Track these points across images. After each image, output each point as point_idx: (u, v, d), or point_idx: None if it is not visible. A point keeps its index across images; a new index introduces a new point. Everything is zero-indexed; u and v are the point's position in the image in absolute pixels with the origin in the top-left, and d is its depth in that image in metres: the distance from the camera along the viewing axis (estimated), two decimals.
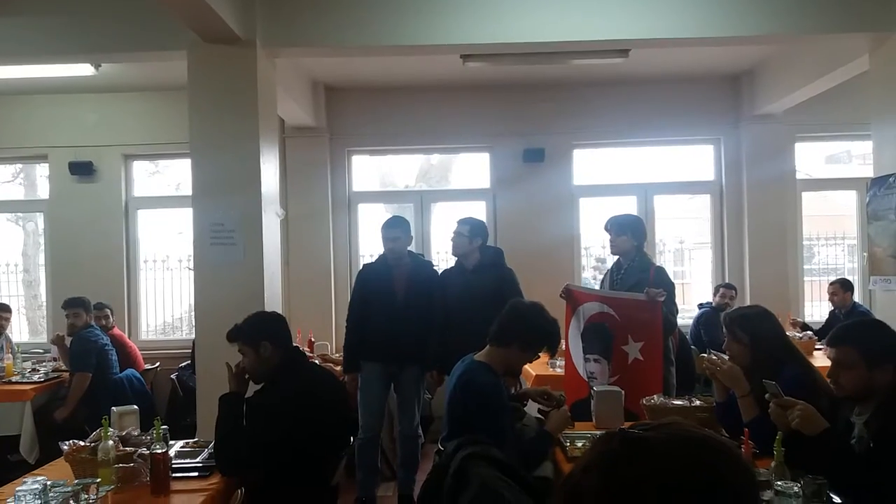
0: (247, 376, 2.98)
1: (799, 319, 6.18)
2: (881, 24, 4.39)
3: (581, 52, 5.05)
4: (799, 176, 6.85)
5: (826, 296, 6.13)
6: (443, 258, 6.57)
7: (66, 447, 2.66)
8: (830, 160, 7.95)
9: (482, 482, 2.07)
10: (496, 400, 2.86)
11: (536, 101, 6.69)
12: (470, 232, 4.41)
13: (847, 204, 7.12)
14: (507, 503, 1.98)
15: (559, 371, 4.54)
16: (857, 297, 6.04)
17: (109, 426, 2.62)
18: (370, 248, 6.81)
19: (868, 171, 5.11)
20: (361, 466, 4.31)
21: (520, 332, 2.94)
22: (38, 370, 5.57)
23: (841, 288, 5.92)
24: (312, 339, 5.95)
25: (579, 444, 2.89)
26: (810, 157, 7.26)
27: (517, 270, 4.50)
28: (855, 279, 6.40)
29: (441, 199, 7.16)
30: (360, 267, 4.91)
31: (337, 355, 5.59)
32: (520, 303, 3.14)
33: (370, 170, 7.47)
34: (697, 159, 7.12)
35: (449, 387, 2.96)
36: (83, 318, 5.31)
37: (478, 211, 6.67)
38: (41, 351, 6.35)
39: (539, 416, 3.29)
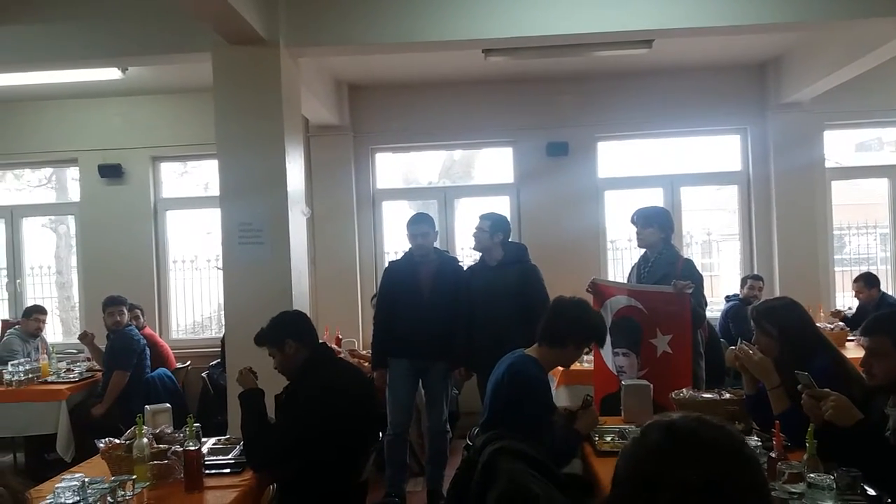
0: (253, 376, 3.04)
1: (842, 310, 6.05)
2: None
3: (604, 44, 5.01)
4: (828, 164, 6.74)
5: None
6: (467, 254, 6.57)
7: (102, 445, 2.72)
8: (861, 147, 7.81)
9: (510, 477, 2.08)
10: (542, 395, 2.89)
11: (559, 94, 6.65)
12: (491, 227, 4.39)
13: (879, 191, 6.98)
14: (536, 497, 1.98)
15: (587, 366, 4.53)
16: (890, 288, 5.92)
17: (143, 424, 2.67)
18: (395, 244, 6.84)
19: None
20: (390, 462, 4.33)
21: (573, 330, 2.94)
22: (73, 370, 5.67)
23: (865, 286, 5.81)
24: (340, 336, 5.99)
25: (608, 439, 2.89)
26: (840, 145, 7.13)
27: (542, 265, 4.48)
28: (888, 269, 6.28)
29: (465, 194, 7.15)
30: (386, 264, 4.94)
31: (365, 351, 5.62)
32: (565, 301, 3.05)
33: (394, 167, 7.49)
34: (724, 150, 7.03)
35: (495, 376, 2.97)
36: (126, 315, 5.42)
37: (501, 206, 6.65)
38: (75, 351, 6.46)
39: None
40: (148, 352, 5.44)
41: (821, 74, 5.74)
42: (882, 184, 6.85)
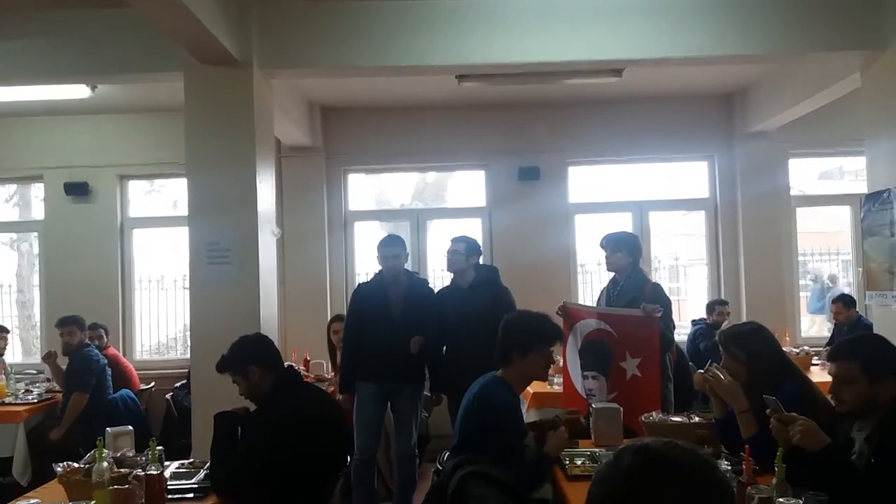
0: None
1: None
2: (871, 42, 4.44)
3: (575, 72, 5.08)
4: (793, 192, 6.89)
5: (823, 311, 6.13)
6: (439, 276, 6.57)
7: (59, 469, 2.64)
8: (823, 176, 8.01)
9: (480, 502, 2.06)
10: (511, 419, 2.87)
11: (531, 119, 6.72)
12: (466, 249, 4.41)
13: (841, 219, 7.15)
14: None
15: (557, 388, 4.53)
16: None
17: (104, 447, 2.60)
18: (366, 266, 6.81)
19: (860, 187, 5.14)
20: (358, 487, 4.26)
21: (510, 343, 2.94)
22: (32, 391, 5.53)
23: (844, 306, 5.93)
24: (308, 359, 5.92)
25: (579, 462, 2.88)
26: (803, 174, 7.30)
27: (513, 288, 4.50)
28: (852, 294, 6.41)
29: (437, 216, 7.17)
30: (356, 285, 4.91)
31: (330, 375, 5.56)
32: (506, 318, 3.10)
33: (366, 188, 7.49)
34: (692, 176, 7.16)
35: (466, 399, 2.95)
36: (78, 336, 5.27)
37: (473, 228, 6.68)
38: (34, 371, 6.31)
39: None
40: (109, 372, 5.31)
41: (785, 105, 5.89)
42: (844, 211, 7.01)
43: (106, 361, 5.31)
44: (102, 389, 5.20)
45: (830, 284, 7.73)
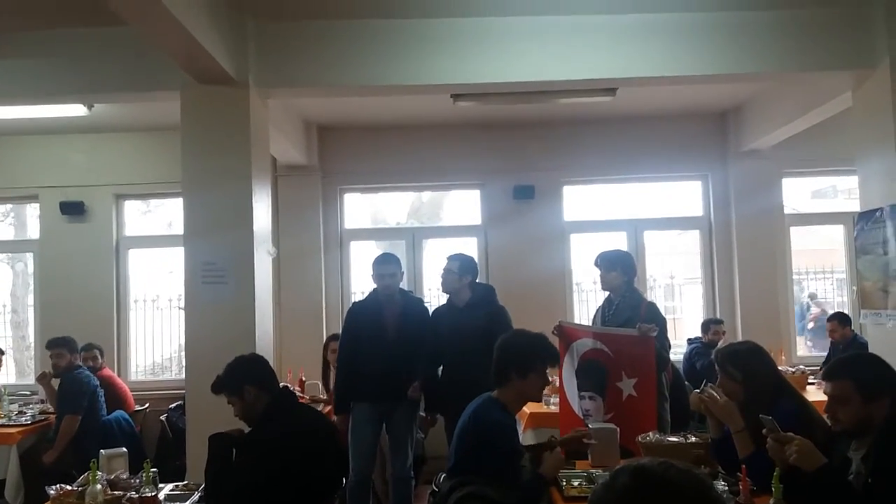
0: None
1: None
2: (862, 61, 4.49)
3: (569, 91, 5.12)
4: (787, 211, 6.92)
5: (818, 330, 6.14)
6: (434, 295, 6.56)
7: (52, 492, 2.62)
8: (817, 195, 8.06)
9: None
10: (507, 439, 2.86)
11: (526, 138, 6.76)
12: (459, 269, 4.40)
13: (834, 238, 7.18)
14: None
15: (553, 409, 4.51)
16: None
17: (98, 469, 2.58)
18: (362, 285, 6.80)
19: (853, 206, 5.17)
20: None
21: (509, 363, 2.94)
22: (25, 412, 5.48)
23: (840, 324, 5.93)
24: (304, 379, 5.89)
25: (575, 483, 2.86)
26: (797, 193, 7.34)
27: (509, 306, 4.49)
28: (846, 314, 6.42)
29: (432, 235, 7.18)
30: (351, 304, 4.90)
31: (324, 397, 5.54)
32: (503, 337, 3.11)
33: (362, 207, 7.50)
34: (686, 195, 7.19)
35: (462, 420, 2.94)
36: (66, 358, 5.21)
37: (469, 247, 6.69)
38: (28, 393, 6.26)
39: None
40: (102, 393, 5.26)
41: (779, 124, 5.94)
42: (838, 230, 7.04)
43: (97, 383, 5.26)
44: (95, 411, 5.15)
45: (810, 303, 7.74)
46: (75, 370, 5.20)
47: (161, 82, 4.44)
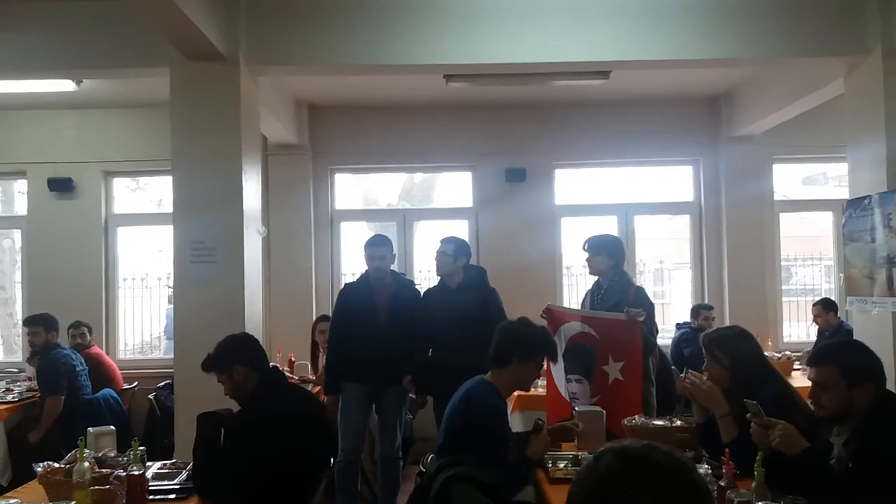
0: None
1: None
2: (855, 48, 4.49)
3: (562, 74, 5.10)
4: (776, 197, 6.94)
5: (803, 316, 6.17)
6: (425, 277, 6.57)
7: (39, 469, 2.61)
8: (807, 182, 8.07)
9: None
10: (497, 422, 2.89)
11: (518, 121, 6.74)
12: (454, 251, 4.41)
13: (823, 225, 7.21)
14: None
15: (541, 391, 4.54)
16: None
17: (85, 447, 2.58)
18: (352, 266, 6.79)
19: (843, 193, 5.20)
20: (341, 489, 4.26)
21: (513, 346, 2.97)
22: (13, 389, 5.47)
23: (823, 309, 5.97)
24: (293, 359, 5.90)
25: (561, 465, 2.89)
26: (787, 179, 7.36)
27: (499, 289, 4.51)
28: (832, 300, 6.47)
29: (424, 217, 7.17)
30: (342, 286, 4.89)
31: (313, 376, 5.55)
32: (506, 322, 3.18)
33: (353, 188, 7.47)
34: (677, 180, 7.20)
35: (453, 401, 2.96)
36: (42, 336, 5.12)
37: (460, 229, 6.68)
38: (16, 370, 6.24)
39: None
40: (85, 371, 5.20)
41: (770, 109, 5.94)
42: (827, 217, 7.07)
43: (76, 361, 5.16)
44: (77, 390, 5.06)
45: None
46: (53, 349, 5.11)
47: (151, 58, 4.40)
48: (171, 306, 6.88)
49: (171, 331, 6.87)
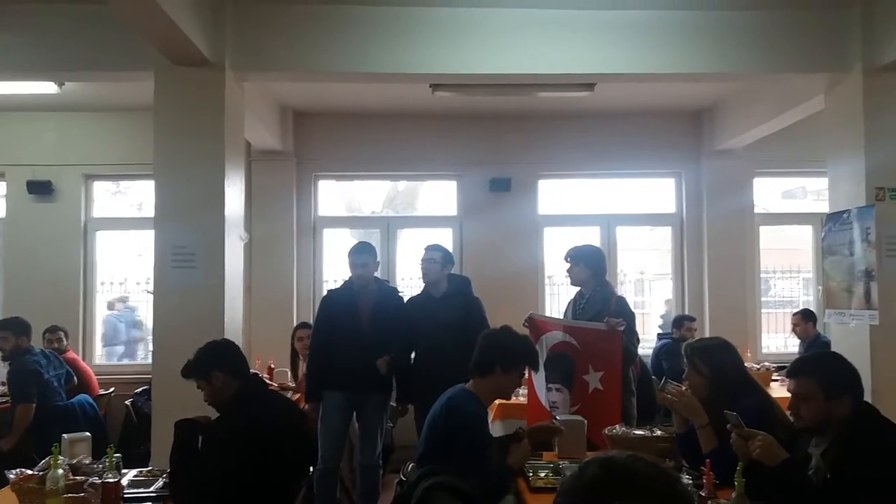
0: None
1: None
2: (835, 65, 4.56)
3: (548, 85, 5.14)
4: (756, 210, 7.02)
5: (782, 327, 6.23)
6: (408, 284, 6.55)
7: (12, 476, 2.57)
8: (786, 195, 8.18)
9: None
10: (478, 430, 2.87)
11: (504, 131, 6.76)
12: (442, 259, 4.42)
13: (802, 238, 7.30)
14: None
15: (522, 400, 4.54)
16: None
17: (59, 454, 2.54)
18: (335, 273, 6.76)
19: (822, 207, 5.26)
20: (320, 497, 4.23)
21: (496, 355, 2.96)
22: None
23: (802, 319, 6.05)
24: (272, 366, 5.86)
25: (542, 475, 2.88)
26: (767, 193, 7.45)
27: (482, 298, 4.52)
28: (812, 310, 6.54)
29: (407, 225, 7.16)
30: (325, 292, 4.87)
31: (293, 384, 5.51)
32: (489, 331, 3.20)
33: (336, 195, 7.46)
34: (659, 192, 7.25)
35: (433, 410, 2.95)
36: (11, 341, 4.98)
37: (444, 238, 6.68)
38: None
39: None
40: (61, 375, 5.11)
41: (752, 124, 6.02)
42: (806, 230, 7.16)
43: (48, 365, 5.05)
44: (49, 396, 4.95)
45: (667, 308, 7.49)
46: (24, 354, 4.97)
47: (135, 62, 4.36)
48: (111, 313, 6.88)
49: (109, 338, 6.84)
